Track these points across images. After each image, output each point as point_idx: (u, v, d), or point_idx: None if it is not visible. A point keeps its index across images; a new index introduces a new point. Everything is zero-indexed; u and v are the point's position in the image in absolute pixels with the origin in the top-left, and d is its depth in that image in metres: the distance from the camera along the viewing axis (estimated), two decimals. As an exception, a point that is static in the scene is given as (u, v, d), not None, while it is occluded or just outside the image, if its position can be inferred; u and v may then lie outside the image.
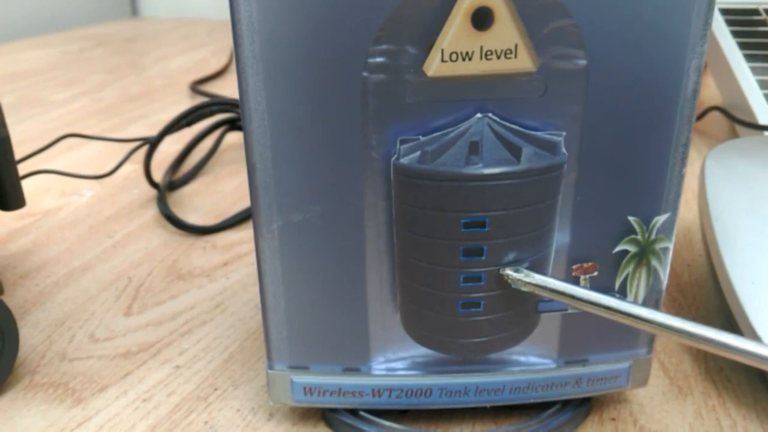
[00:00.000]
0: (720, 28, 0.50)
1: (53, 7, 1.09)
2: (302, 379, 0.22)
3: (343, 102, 0.18)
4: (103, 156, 0.49)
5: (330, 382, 0.22)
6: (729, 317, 0.25)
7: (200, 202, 0.41)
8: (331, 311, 0.21)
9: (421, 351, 0.22)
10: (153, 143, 0.38)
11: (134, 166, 0.47)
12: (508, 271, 0.20)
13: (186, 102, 0.63)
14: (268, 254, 0.20)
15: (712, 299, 0.30)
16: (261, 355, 0.27)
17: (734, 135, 0.49)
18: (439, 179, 0.19)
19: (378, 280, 0.21)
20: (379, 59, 0.18)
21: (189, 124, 0.39)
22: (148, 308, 0.30)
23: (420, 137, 0.19)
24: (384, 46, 0.18)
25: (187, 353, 0.27)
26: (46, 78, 0.74)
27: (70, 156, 0.49)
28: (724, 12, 0.51)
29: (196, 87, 0.65)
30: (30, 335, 0.29)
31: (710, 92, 0.58)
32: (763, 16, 0.51)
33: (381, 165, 0.19)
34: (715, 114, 0.53)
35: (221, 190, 0.43)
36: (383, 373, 0.22)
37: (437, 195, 0.19)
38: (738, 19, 0.51)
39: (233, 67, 0.77)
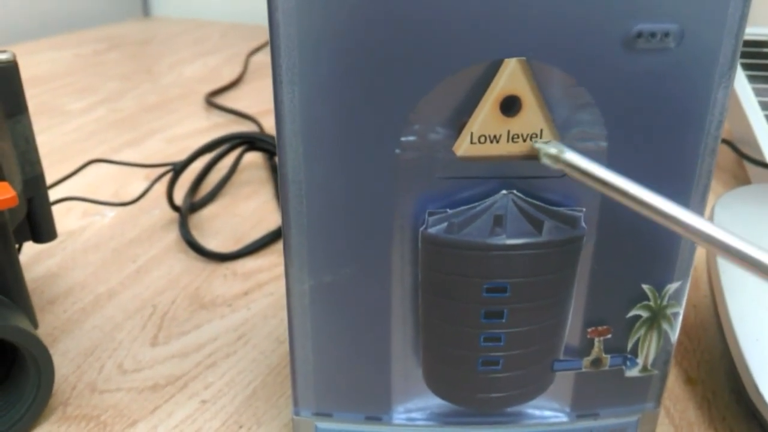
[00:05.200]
0: (730, 60, 0.51)
1: (65, 6, 1.09)
2: (326, 425, 0.23)
3: (376, 176, 0.19)
4: (125, 174, 0.50)
5: (352, 430, 0.23)
6: (732, 368, 0.26)
7: (220, 226, 0.42)
8: (356, 365, 0.22)
9: (440, 402, 0.23)
10: (177, 171, 0.39)
11: (154, 185, 0.48)
12: (540, 144, 0.18)
13: (201, 114, 0.64)
14: (299, 311, 0.22)
15: (717, 344, 0.31)
16: (283, 391, 0.28)
17: (742, 168, 0.50)
18: (464, 248, 0.20)
19: (402, 338, 0.22)
20: (411, 138, 0.19)
21: (210, 150, 0.40)
22: (173, 338, 0.32)
23: (447, 210, 0.20)
24: (416, 127, 0.19)
25: (212, 387, 0.28)
26: (62, 84, 0.75)
27: (91, 173, 0.50)
28: (735, 43, 0.52)
29: (210, 99, 0.66)
30: (60, 365, 0.30)
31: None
32: (773, 49, 0.52)
33: (409, 233, 0.20)
34: (724, 145, 0.54)
35: (240, 213, 0.44)
36: (403, 422, 0.23)
37: (462, 262, 0.20)
38: (747, 51, 0.52)
39: (247, 77, 0.78)
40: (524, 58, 0.18)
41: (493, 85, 0.18)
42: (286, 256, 0.21)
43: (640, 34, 0.18)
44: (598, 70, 0.18)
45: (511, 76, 0.18)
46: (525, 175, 0.19)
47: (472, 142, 0.19)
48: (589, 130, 0.19)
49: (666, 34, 0.18)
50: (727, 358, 0.28)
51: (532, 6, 0.17)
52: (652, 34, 0.18)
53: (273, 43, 0.18)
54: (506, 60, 0.18)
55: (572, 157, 0.18)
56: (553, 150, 0.18)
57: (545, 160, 0.18)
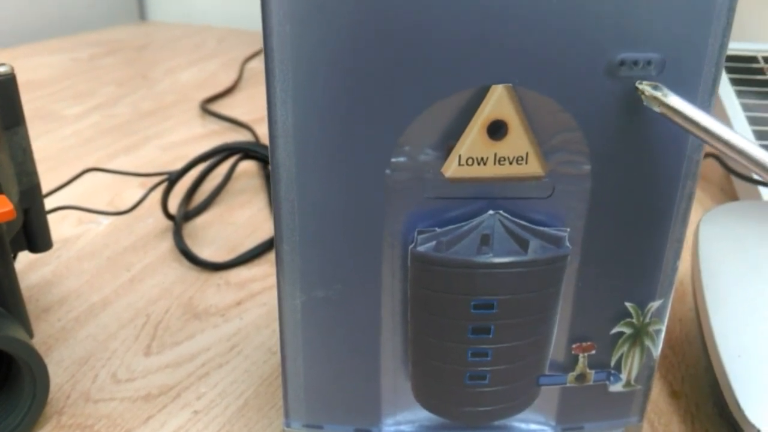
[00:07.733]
0: (719, 75, 0.51)
1: (62, 10, 1.10)
2: (317, 437, 0.24)
3: (366, 196, 0.20)
4: (120, 182, 0.51)
5: (343, 441, 0.24)
6: (715, 382, 0.27)
7: (214, 235, 0.43)
8: (346, 378, 0.23)
9: (428, 415, 0.23)
10: (172, 180, 0.40)
11: (149, 194, 0.48)
12: (645, 86, 0.18)
13: (197, 121, 0.65)
14: (291, 325, 0.22)
15: (701, 358, 0.32)
16: (275, 402, 0.29)
17: (729, 181, 0.50)
18: (452, 266, 0.21)
19: (391, 352, 0.22)
20: (401, 159, 0.20)
21: (205, 160, 0.41)
22: (166, 348, 0.32)
23: (436, 229, 0.20)
24: (406, 148, 0.19)
25: (205, 398, 0.29)
26: (58, 89, 0.75)
27: (87, 181, 0.50)
28: (724, 58, 0.53)
29: (206, 107, 0.67)
30: (55, 374, 0.30)
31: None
32: (762, 64, 0.53)
33: (399, 251, 0.21)
34: (711, 160, 0.54)
35: (234, 222, 0.45)
36: (393, 434, 0.24)
37: (450, 280, 0.21)
38: (736, 66, 0.52)
39: (242, 84, 0.78)
40: (510, 84, 0.18)
41: (480, 109, 0.19)
42: (279, 271, 0.21)
43: (622, 62, 0.18)
44: (582, 97, 0.19)
45: (498, 102, 0.19)
46: (511, 196, 0.20)
47: (460, 164, 0.19)
48: (573, 154, 0.19)
49: (648, 63, 0.18)
50: (711, 372, 0.28)
51: (519, 35, 0.18)
52: (635, 63, 0.18)
53: (267, 65, 0.19)
54: (493, 86, 0.18)
55: (675, 101, 0.18)
56: (656, 93, 0.18)
57: (648, 103, 0.18)
